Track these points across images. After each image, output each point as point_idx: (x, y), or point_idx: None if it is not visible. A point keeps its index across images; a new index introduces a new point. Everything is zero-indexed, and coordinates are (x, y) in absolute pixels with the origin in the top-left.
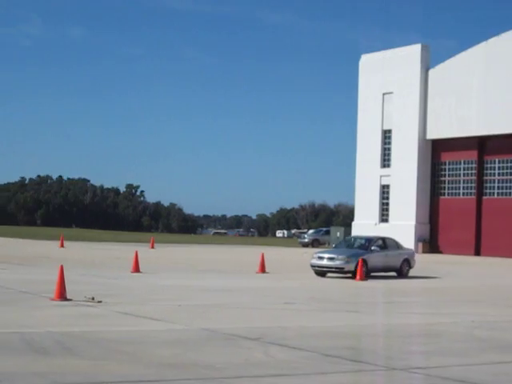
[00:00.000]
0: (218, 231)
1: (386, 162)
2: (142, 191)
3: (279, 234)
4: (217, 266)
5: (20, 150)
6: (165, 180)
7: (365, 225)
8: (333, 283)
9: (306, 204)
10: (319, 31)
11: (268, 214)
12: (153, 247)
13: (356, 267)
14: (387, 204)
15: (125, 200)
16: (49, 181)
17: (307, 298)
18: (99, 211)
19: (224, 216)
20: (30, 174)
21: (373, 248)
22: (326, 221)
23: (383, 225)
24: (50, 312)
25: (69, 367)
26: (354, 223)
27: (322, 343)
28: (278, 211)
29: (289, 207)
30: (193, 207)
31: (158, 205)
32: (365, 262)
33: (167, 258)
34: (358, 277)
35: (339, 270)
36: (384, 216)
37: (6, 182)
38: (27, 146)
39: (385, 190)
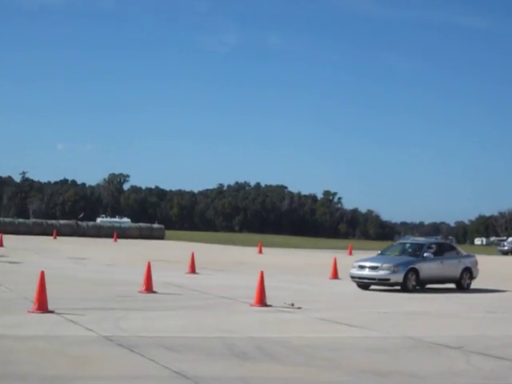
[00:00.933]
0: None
1: None
2: (340, 198)
3: (477, 241)
4: None
5: (218, 157)
6: (362, 187)
7: None
8: None
9: (506, 211)
10: None
11: (466, 222)
12: (351, 254)
13: (405, 278)
14: None
15: (322, 207)
16: (246, 187)
17: (510, 307)
18: (296, 218)
19: (421, 223)
20: (229, 180)
21: (425, 255)
22: None
23: None
24: (251, 317)
25: (270, 373)
26: None
27: None
28: (476, 218)
29: (488, 214)
30: (390, 214)
31: (355, 212)
32: (416, 271)
33: None
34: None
35: (384, 282)
36: None
37: (204, 188)
38: (224, 152)
39: None
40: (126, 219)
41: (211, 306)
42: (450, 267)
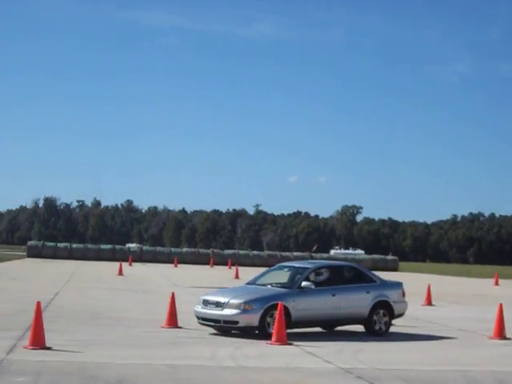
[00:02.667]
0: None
1: None
2: None
3: None
4: None
5: (451, 188)
6: None
7: None
8: None
9: None
10: None
11: None
12: None
13: (263, 320)
14: None
15: None
16: (481, 218)
17: None
18: None
19: None
20: (462, 211)
21: (303, 284)
22: None
23: None
24: (490, 351)
25: None
26: None
27: None
28: None
29: None
30: None
31: None
32: (285, 309)
33: None
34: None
35: (231, 326)
36: None
37: (438, 219)
38: (458, 183)
39: None
40: (359, 251)
41: (449, 338)
42: (351, 302)
